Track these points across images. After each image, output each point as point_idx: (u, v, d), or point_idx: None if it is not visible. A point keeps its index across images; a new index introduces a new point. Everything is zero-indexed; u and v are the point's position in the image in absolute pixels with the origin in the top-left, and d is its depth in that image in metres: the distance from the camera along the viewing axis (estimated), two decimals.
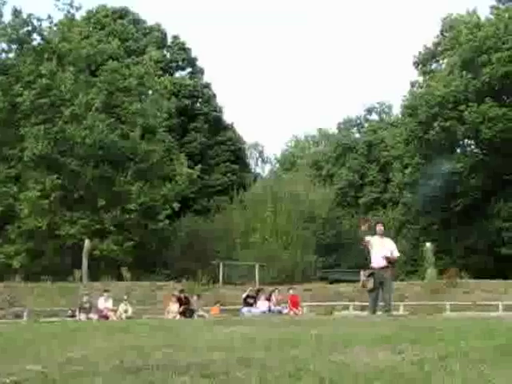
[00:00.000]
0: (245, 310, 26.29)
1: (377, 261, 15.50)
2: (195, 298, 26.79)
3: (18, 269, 36.18)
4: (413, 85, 50.33)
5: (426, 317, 18.40)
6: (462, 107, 41.81)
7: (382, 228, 16.00)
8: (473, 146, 48.53)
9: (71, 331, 12.30)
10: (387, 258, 15.41)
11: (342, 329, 10.66)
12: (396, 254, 15.81)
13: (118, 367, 6.00)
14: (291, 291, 28.55)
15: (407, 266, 46.91)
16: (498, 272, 35.43)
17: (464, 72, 42.77)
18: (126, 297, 26.11)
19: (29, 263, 37.52)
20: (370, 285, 15.35)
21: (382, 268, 15.37)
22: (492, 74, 41.24)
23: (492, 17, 45.38)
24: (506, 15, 43.31)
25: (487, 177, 43.39)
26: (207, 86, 60.20)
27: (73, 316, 24.84)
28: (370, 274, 15.44)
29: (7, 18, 41.02)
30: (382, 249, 15.52)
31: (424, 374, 5.37)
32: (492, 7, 46.65)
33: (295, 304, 27.66)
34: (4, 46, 41.66)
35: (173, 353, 7.10)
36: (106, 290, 26.27)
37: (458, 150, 47.66)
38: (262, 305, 26.81)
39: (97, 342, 8.90)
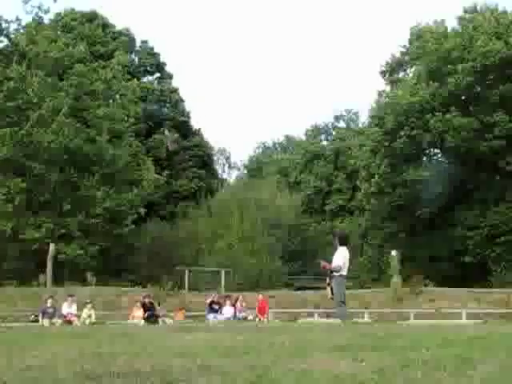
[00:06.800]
0: (210, 316, 26.31)
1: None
2: (158, 304, 26.67)
3: None
4: (380, 94, 50.53)
5: (389, 324, 18.55)
6: (428, 116, 42.14)
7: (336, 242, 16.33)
8: (439, 155, 48.97)
9: (32, 337, 12.19)
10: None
11: (304, 336, 10.71)
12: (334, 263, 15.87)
13: (79, 374, 5.96)
14: (261, 296, 28.61)
15: (372, 274, 47.11)
16: (461, 280, 35.72)
17: (430, 81, 43.13)
18: (89, 301, 25.83)
19: None
20: (328, 294, 15.77)
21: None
22: (457, 84, 41.64)
23: (459, 27, 45.85)
24: (471, 26, 43.78)
25: (452, 185, 43.66)
26: (175, 90, 60.05)
27: (36, 321, 24.57)
28: (328, 284, 15.88)
29: None
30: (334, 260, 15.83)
31: (385, 382, 5.41)
32: (459, 18, 47.12)
33: (262, 310, 27.69)
34: None
35: (134, 359, 7.07)
36: (70, 295, 26.01)
37: (424, 159, 47.97)
38: (227, 311, 26.85)
39: (58, 349, 8.82)
